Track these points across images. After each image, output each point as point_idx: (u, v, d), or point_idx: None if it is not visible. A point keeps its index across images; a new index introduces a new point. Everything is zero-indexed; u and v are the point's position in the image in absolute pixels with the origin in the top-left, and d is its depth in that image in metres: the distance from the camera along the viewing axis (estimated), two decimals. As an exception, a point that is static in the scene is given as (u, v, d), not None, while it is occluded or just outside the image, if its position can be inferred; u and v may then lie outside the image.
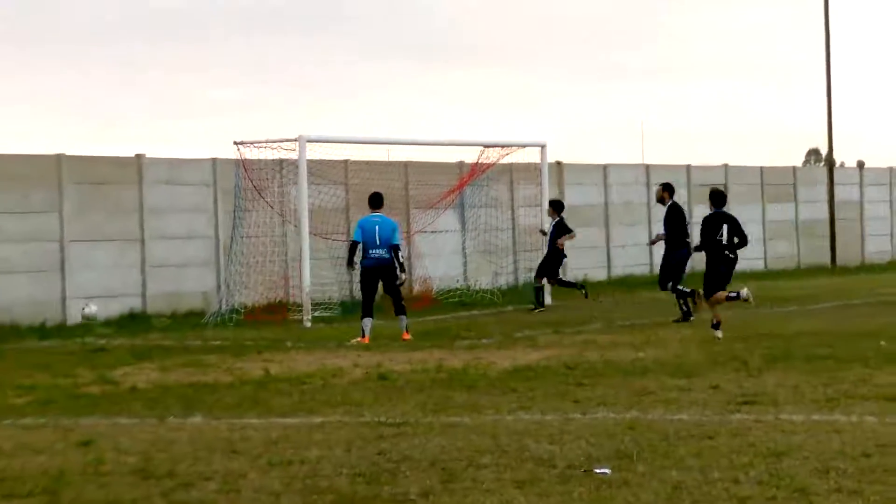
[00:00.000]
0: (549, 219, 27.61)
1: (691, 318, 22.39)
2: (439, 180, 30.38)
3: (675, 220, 23.32)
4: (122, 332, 23.01)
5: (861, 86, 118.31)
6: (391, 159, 30.15)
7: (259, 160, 26.45)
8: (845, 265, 42.12)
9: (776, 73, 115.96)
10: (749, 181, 40.26)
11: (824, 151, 49.31)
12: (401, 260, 20.82)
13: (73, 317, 24.71)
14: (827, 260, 42.60)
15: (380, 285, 20.79)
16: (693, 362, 16.26)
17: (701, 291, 20.48)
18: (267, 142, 25.97)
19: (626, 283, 33.45)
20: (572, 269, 34.45)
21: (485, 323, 23.82)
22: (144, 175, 26.45)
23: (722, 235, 19.91)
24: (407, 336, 20.45)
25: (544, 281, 27.30)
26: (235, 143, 26.02)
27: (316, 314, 25.12)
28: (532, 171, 30.19)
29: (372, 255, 20.56)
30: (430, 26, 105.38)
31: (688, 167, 37.90)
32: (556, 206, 27.65)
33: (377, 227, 20.59)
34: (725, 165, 39.64)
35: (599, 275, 34.74)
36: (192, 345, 20.65)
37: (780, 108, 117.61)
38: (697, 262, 24.05)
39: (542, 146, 29.78)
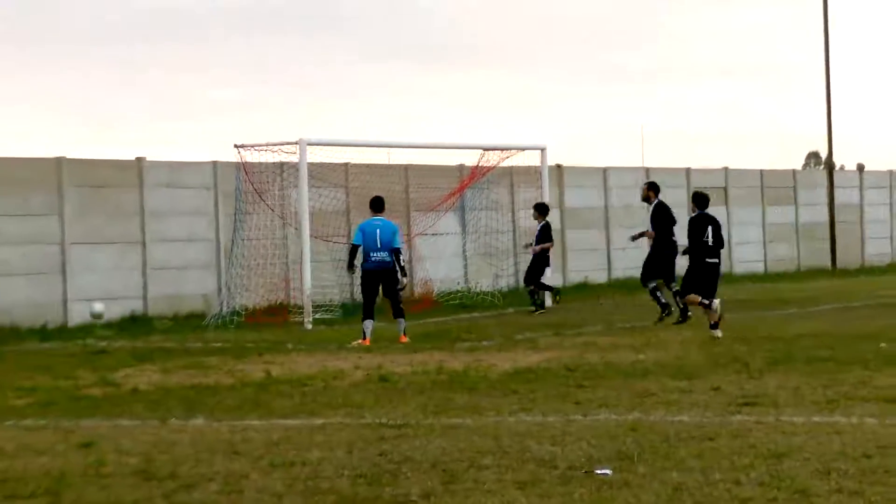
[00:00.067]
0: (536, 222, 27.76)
1: (689, 315, 22.46)
2: (440, 183, 30.41)
3: (662, 218, 23.39)
4: (123, 335, 23.03)
5: (861, 89, 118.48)
6: (391, 162, 30.20)
7: (260, 163, 26.51)
8: (845, 268, 42.14)
9: (776, 76, 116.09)
10: (749, 184, 40.29)
11: (824, 154, 49.49)
12: (402, 264, 20.86)
13: (74, 319, 24.72)
14: (827, 262, 42.63)
15: (380, 288, 20.84)
16: (694, 364, 16.28)
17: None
18: (267, 145, 26.02)
19: (627, 286, 33.38)
20: (573, 272, 34.56)
21: (485, 325, 23.84)
22: (145, 178, 26.48)
23: (707, 237, 20.18)
24: (404, 339, 20.47)
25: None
26: (236, 146, 26.08)
27: (317, 316, 25.14)
28: (532, 174, 30.23)
29: (373, 259, 20.59)
30: (430, 27, 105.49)
31: (687, 170, 37.93)
32: (541, 210, 27.76)
33: (378, 231, 20.62)
34: (725, 168, 39.67)
35: (600, 277, 34.78)
36: (194, 347, 20.66)
37: (781, 111, 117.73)
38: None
39: (542, 149, 29.82)
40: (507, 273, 32.01)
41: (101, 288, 25.24)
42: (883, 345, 17.80)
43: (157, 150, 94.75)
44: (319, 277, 26.49)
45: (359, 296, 22.63)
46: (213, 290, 27.08)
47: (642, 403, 13.04)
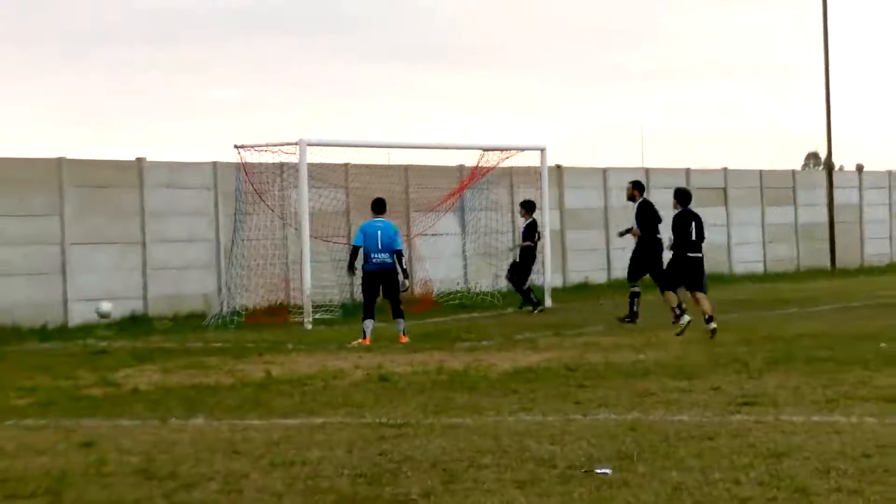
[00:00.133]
0: (523, 219, 27.96)
1: (684, 307, 22.63)
2: (439, 183, 30.43)
3: (647, 216, 23.48)
4: (123, 335, 23.04)
5: (860, 89, 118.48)
6: (391, 163, 30.22)
7: (260, 164, 26.51)
8: (845, 268, 42.16)
9: (776, 76, 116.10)
10: (748, 184, 40.29)
11: (823, 155, 49.49)
12: (404, 266, 20.90)
13: (74, 319, 24.74)
14: (826, 263, 42.64)
15: (380, 289, 20.87)
16: (694, 364, 16.29)
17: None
18: (267, 145, 26.01)
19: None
20: (573, 272, 34.57)
21: (485, 325, 23.85)
22: (145, 178, 26.50)
23: (691, 232, 20.47)
24: (404, 339, 20.49)
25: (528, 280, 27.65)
26: (236, 146, 26.07)
27: (317, 316, 25.15)
28: (532, 174, 30.23)
29: (374, 261, 20.63)
30: (430, 27, 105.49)
31: (687, 170, 37.92)
32: (528, 207, 27.94)
33: (379, 232, 20.66)
34: (725, 169, 39.66)
35: (600, 277, 34.79)
36: (194, 347, 20.68)
37: (780, 111, 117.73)
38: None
39: (542, 149, 29.82)
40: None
41: (101, 288, 25.26)
42: (882, 345, 17.83)
43: (157, 151, 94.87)
44: (319, 278, 26.50)
45: (358, 296, 22.65)
46: (214, 291, 27.10)
47: (642, 403, 13.06)
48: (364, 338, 20.36)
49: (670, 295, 20.71)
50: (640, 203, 23.66)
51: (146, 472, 10.02)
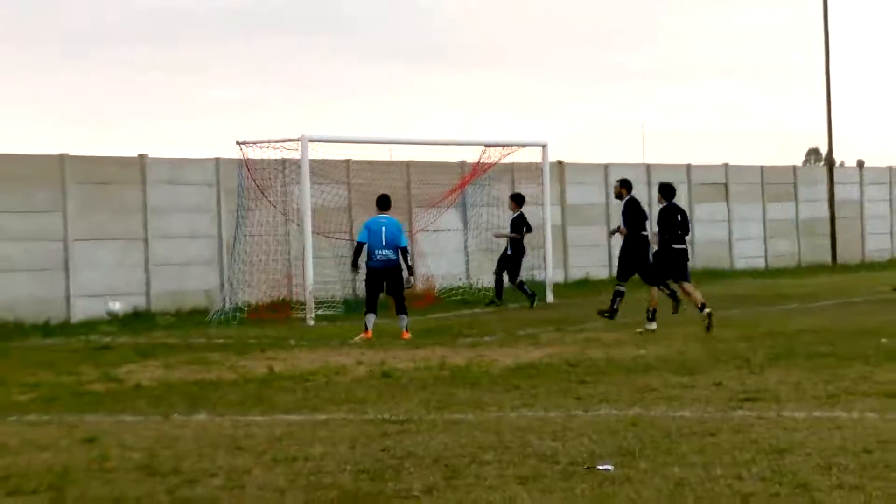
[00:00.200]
0: (511, 212, 28.05)
1: (679, 301, 22.87)
2: (441, 180, 30.45)
3: (634, 214, 23.51)
4: (126, 330, 23.08)
5: (860, 85, 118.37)
6: (393, 159, 30.26)
7: (262, 160, 26.52)
8: (846, 263, 42.19)
9: (776, 74, 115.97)
10: (749, 180, 40.30)
11: (824, 151, 49.43)
12: (409, 263, 20.94)
13: (77, 315, 24.78)
14: (827, 258, 42.67)
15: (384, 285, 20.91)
16: (695, 359, 16.31)
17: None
18: (269, 141, 26.03)
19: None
20: (574, 268, 34.59)
21: (487, 321, 23.87)
22: (147, 175, 26.53)
23: (676, 226, 20.86)
24: (406, 335, 20.51)
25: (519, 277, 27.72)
26: (238, 142, 26.11)
27: (319, 312, 25.19)
28: (533, 170, 30.26)
29: (378, 257, 20.66)
30: (430, 27, 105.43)
31: (688, 166, 37.89)
32: (518, 200, 28.05)
33: (384, 229, 20.69)
34: (726, 165, 39.64)
35: (601, 273, 34.80)
36: (196, 343, 20.70)
37: (780, 109, 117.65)
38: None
39: (544, 146, 29.84)
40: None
41: (103, 284, 25.31)
42: (883, 340, 17.84)
43: (158, 151, 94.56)
44: (321, 273, 26.54)
45: (361, 292, 22.70)
46: (216, 287, 27.14)
47: (644, 399, 13.08)
48: (366, 331, 20.40)
49: (653, 292, 20.79)
50: (626, 201, 23.64)
51: (149, 468, 10.04)
